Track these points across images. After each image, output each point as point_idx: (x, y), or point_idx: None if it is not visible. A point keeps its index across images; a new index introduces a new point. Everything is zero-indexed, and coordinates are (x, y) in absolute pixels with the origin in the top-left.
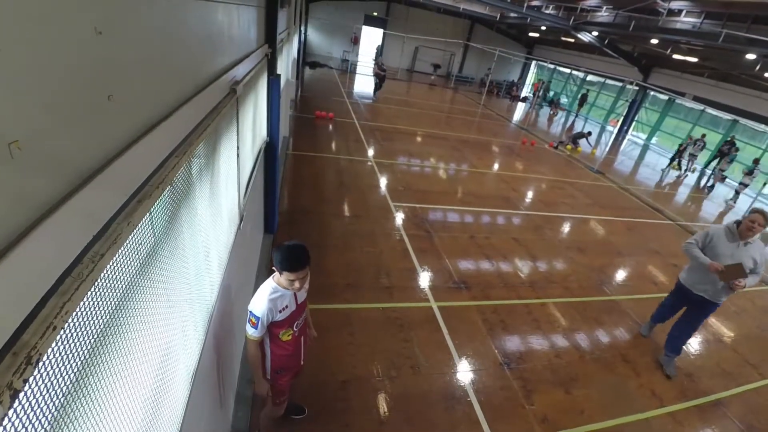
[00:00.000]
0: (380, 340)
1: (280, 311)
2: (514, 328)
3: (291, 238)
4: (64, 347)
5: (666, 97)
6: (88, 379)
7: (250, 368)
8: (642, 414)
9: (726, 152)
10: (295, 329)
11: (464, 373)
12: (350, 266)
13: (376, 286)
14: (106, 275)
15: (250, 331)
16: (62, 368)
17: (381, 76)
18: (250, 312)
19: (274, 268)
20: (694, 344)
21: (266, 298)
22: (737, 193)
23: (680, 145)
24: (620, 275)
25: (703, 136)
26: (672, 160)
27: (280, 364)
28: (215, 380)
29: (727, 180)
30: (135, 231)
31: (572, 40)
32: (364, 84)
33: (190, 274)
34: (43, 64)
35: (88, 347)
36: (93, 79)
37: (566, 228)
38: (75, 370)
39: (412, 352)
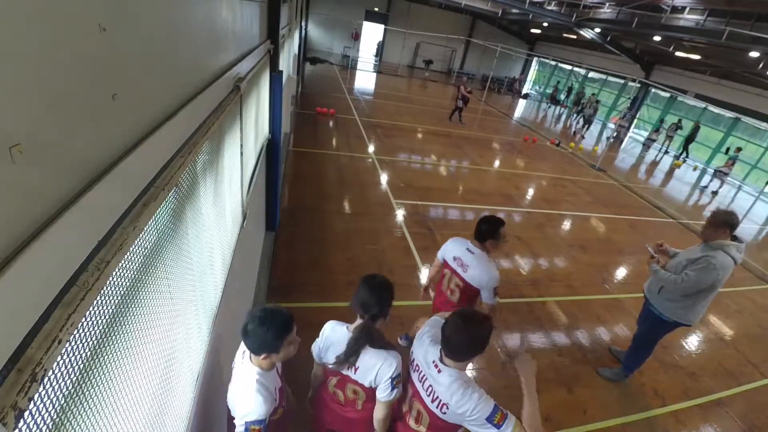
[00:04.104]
0: None
1: None
2: (516, 326)
3: (293, 235)
4: (69, 361)
5: (668, 95)
6: (91, 391)
7: None
8: (644, 413)
9: (693, 136)
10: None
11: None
12: (352, 263)
13: None
14: (111, 282)
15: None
16: (64, 383)
17: (466, 98)
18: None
19: None
20: (695, 343)
21: None
22: (645, 146)
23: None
24: (622, 273)
25: (662, 121)
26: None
27: None
28: (220, 382)
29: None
30: (141, 235)
31: (574, 37)
32: (364, 80)
33: (194, 276)
34: (45, 62)
35: (90, 358)
36: (97, 77)
37: (568, 226)
38: (76, 384)
39: None
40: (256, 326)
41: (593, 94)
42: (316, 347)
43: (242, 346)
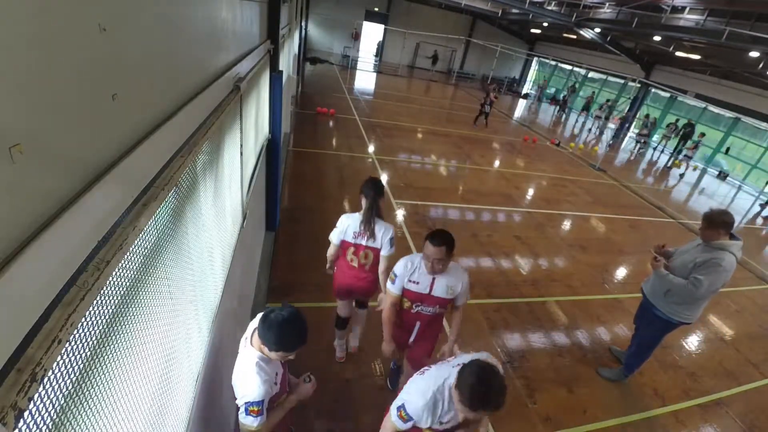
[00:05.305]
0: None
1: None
2: (516, 326)
3: (293, 235)
4: (69, 361)
5: (668, 95)
6: (91, 391)
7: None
8: (644, 413)
9: (688, 135)
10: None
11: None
12: None
13: None
14: (111, 282)
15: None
16: (64, 383)
17: (492, 103)
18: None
19: None
20: (695, 343)
21: None
22: (638, 142)
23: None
24: (622, 273)
25: (647, 116)
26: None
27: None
28: (220, 382)
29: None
30: (141, 235)
31: (574, 37)
32: (364, 80)
33: (194, 276)
34: (45, 62)
35: (90, 358)
36: (97, 77)
37: (568, 226)
38: (76, 384)
39: None
40: (275, 321)
41: (608, 100)
42: (336, 233)
43: (247, 332)
